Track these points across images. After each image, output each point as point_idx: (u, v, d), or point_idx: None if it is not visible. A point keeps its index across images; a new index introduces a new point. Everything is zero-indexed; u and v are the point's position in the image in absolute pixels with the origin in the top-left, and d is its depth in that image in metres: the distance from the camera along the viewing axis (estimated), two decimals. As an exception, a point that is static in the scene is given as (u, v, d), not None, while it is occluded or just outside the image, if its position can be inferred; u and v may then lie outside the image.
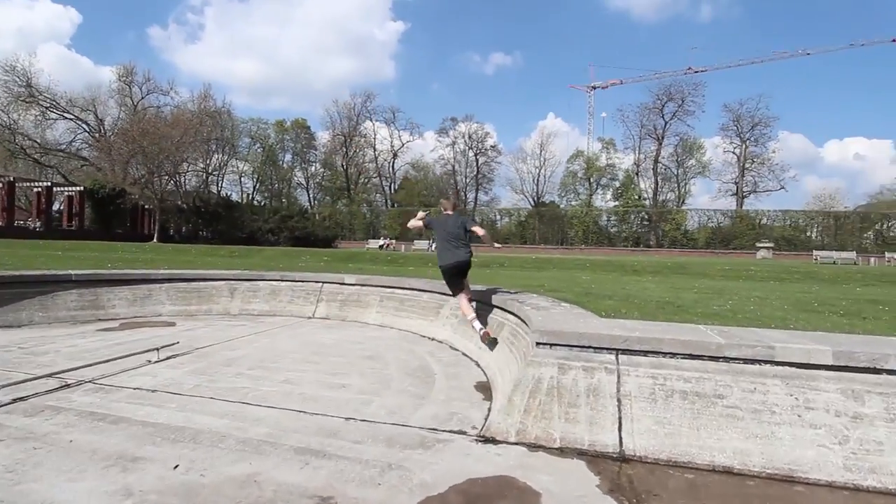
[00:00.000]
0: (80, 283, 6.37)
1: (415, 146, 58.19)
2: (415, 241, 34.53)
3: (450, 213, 4.83)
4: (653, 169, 50.13)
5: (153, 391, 3.37)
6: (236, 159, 52.15)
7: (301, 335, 5.68)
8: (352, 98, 55.41)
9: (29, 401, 3.11)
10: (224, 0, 77.73)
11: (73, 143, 44.33)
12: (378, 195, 56.91)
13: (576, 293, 6.62)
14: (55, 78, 44.95)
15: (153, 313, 6.71)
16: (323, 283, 7.21)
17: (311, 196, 57.09)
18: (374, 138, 55.55)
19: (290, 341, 5.31)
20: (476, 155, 53.93)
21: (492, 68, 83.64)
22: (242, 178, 54.04)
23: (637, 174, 51.38)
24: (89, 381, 3.55)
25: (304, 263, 13.01)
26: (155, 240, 33.49)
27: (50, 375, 3.46)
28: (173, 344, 4.48)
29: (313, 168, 57.82)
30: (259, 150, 54.62)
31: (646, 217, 45.93)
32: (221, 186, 50.80)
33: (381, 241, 33.75)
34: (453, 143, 54.18)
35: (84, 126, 44.00)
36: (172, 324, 6.16)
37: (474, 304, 4.78)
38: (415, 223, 5.07)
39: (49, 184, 35.94)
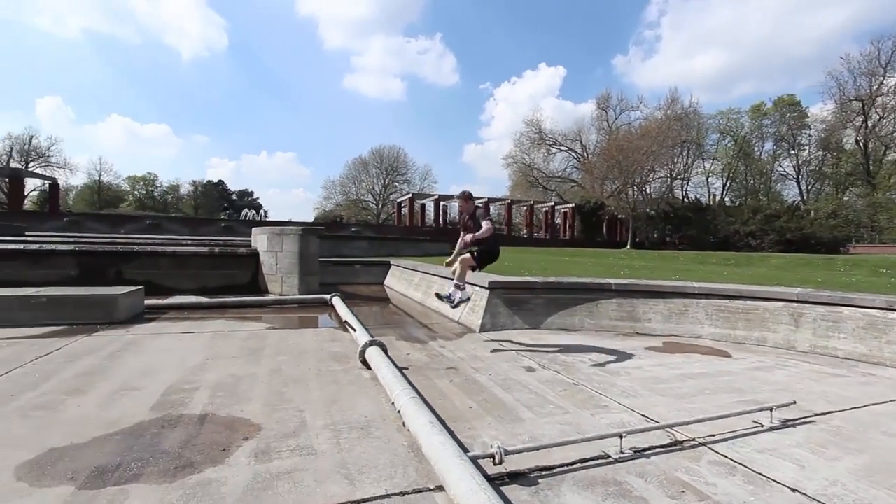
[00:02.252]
0: (619, 293, 6.21)
1: None
2: None
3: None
4: None
5: (835, 511, 1.95)
6: (702, 159, 48.86)
7: None
8: (874, 45, 39.90)
9: (652, 460, 2.39)
10: (680, 1, 75.63)
11: (566, 170, 54.99)
12: (928, 174, 38.20)
13: None
14: (554, 121, 57.59)
15: (690, 333, 5.72)
16: None
17: (802, 189, 45.61)
18: (920, 91, 37.60)
19: None
20: None
21: None
22: (709, 179, 50.07)
23: None
24: (703, 444, 2.59)
25: (851, 278, 9.08)
26: (628, 246, 35.86)
27: (663, 428, 2.70)
28: (788, 405, 3.02)
29: (806, 153, 45.89)
30: (729, 144, 48.89)
31: None
32: (686, 190, 48.94)
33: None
34: None
35: (573, 153, 53.71)
36: (726, 353, 4.87)
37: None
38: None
39: (552, 203, 45.81)
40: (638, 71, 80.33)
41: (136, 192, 66.10)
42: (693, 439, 2.64)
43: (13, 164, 45.93)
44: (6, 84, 74.78)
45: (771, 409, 2.88)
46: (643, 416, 3.00)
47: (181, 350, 4.56)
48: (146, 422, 2.77)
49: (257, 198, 77.35)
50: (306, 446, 2.47)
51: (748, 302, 5.59)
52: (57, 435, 2.56)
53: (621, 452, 2.41)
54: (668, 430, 2.72)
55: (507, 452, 2.17)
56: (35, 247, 8.36)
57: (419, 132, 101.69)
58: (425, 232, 32.98)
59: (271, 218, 56.85)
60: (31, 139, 49.04)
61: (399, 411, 2.73)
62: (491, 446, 2.18)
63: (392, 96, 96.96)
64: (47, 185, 37.33)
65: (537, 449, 2.34)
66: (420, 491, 2.04)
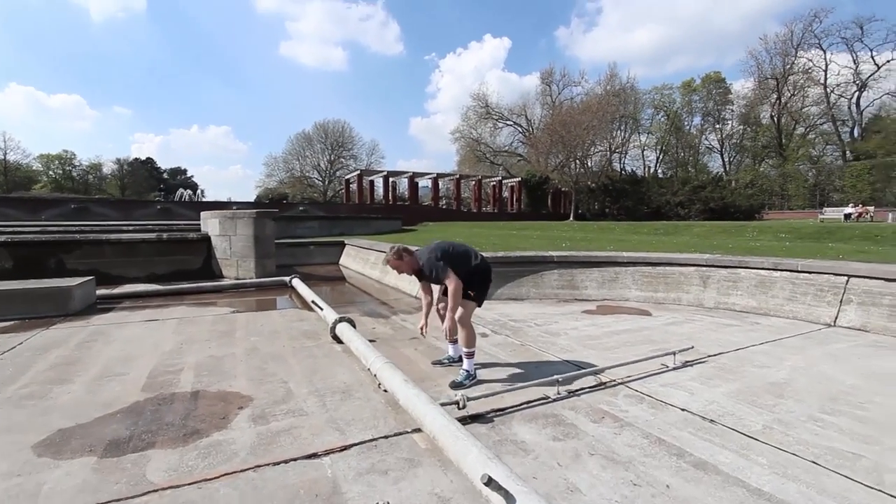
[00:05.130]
0: (560, 265, 6.92)
1: (898, 66, 39.29)
2: (912, 207, 23.29)
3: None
4: None
5: (709, 420, 2.65)
6: (638, 132, 51.59)
7: (849, 359, 3.88)
8: (787, 27, 43.35)
9: (581, 398, 3.02)
10: (622, -27, 77.96)
11: (512, 144, 56.05)
12: (829, 147, 42.72)
13: None
14: (499, 95, 58.17)
15: (620, 297, 6.54)
16: (849, 276, 4.98)
17: (725, 161, 49.60)
18: (825, 71, 41.52)
19: (840, 367, 3.64)
20: None
21: None
22: (644, 152, 53.07)
23: None
24: (621, 384, 3.26)
25: (756, 242, 10.48)
26: (571, 218, 37.67)
27: (591, 373, 3.35)
28: (687, 349, 3.79)
29: (728, 127, 49.66)
30: (662, 119, 51.84)
31: None
32: (624, 163, 51.61)
33: (847, 210, 24.64)
34: None
35: (518, 128, 54.74)
36: (647, 313, 5.70)
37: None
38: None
39: (500, 178, 46.79)
40: (580, 43, 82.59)
41: (51, 173, 60.07)
42: (614, 380, 3.31)
43: None
44: None
45: (674, 354, 3.62)
46: (577, 366, 3.64)
47: (151, 337, 4.72)
48: (141, 401, 3.04)
49: (191, 176, 72.94)
50: (297, 409, 2.87)
51: (667, 268, 6.48)
52: (58, 418, 2.79)
53: (558, 394, 3.02)
54: (595, 374, 3.37)
55: (469, 399, 2.70)
56: (-40, 239, 7.84)
57: (363, 105, 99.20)
58: (376, 209, 32.89)
59: (209, 197, 53.90)
60: (-86, 114, 42.91)
61: (375, 375, 3.17)
62: (455, 395, 2.70)
63: (333, 66, 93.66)
64: (-57, 168, 33.15)
65: (492, 395, 2.89)
66: (400, 434, 2.52)
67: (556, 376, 3.10)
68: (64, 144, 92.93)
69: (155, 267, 8.91)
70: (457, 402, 2.65)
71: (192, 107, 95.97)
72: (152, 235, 9.21)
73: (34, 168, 58.58)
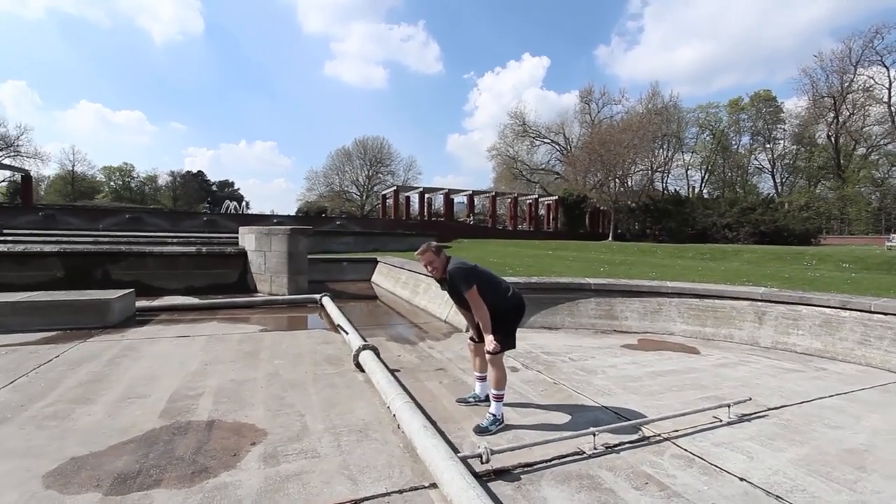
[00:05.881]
0: (597, 293, 6.54)
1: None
2: None
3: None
4: None
5: (775, 497, 2.27)
6: (682, 152, 49.82)
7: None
8: (845, 43, 40.98)
9: (621, 455, 2.69)
10: (665, -9, 76.83)
11: (549, 162, 55.39)
12: (894, 169, 39.66)
13: None
14: (537, 113, 57.94)
15: (664, 330, 6.08)
16: (935, 321, 4.39)
17: (777, 182, 46.93)
18: (889, 89, 38.82)
19: (928, 430, 3.13)
20: None
21: None
22: (689, 171, 51.12)
23: None
24: (667, 439, 2.90)
25: (816, 273, 9.64)
26: (610, 238, 36.54)
27: (633, 425, 3.01)
28: (744, 401, 3.37)
29: (780, 147, 47.14)
30: (708, 138, 49.89)
31: None
32: (666, 182, 49.83)
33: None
34: None
35: (556, 146, 54.11)
36: (695, 350, 5.24)
37: None
38: None
39: (536, 196, 46.23)
40: (620, 62, 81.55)
41: (112, 183, 64.41)
42: (658, 434, 2.95)
43: (-20, 155, 44.34)
44: (-31, 69, 71.77)
45: (729, 406, 3.22)
46: (616, 413, 3.31)
47: (179, 355, 4.72)
48: (157, 429, 2.96)
49: (238, 189, 76.25)
50: (310, 450, 2.70)
51: (717, 301, 5.98)
52: (74, 444, 2.74)
53: (594, 449, 2.71)
54: (636, 426, 3.03)
55: (494, 452, 2.44)
56: (20, 248, 8.32)
57: (402, 121, 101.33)
58: (411, 226, 33.10)
59: (253, 209, 56.06)
60: (-3, 127, 47.18)
61: (394, 415, 2.97)
62: (479, 447, 2.44)
63: (374, 84, 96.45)
64: (19, 177, 36.16)
65: (520, 448, 2.62)
66: (416, 489, 2.29)
67: (592, 428, 2.79)
68: (125, 157, 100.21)
69: (193, 280, 9.13)
70: (480, 456, 2.40)
71: (241, 123, 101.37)
72: (192, 249, 9.48)
73: (98, 179, 62.96)
